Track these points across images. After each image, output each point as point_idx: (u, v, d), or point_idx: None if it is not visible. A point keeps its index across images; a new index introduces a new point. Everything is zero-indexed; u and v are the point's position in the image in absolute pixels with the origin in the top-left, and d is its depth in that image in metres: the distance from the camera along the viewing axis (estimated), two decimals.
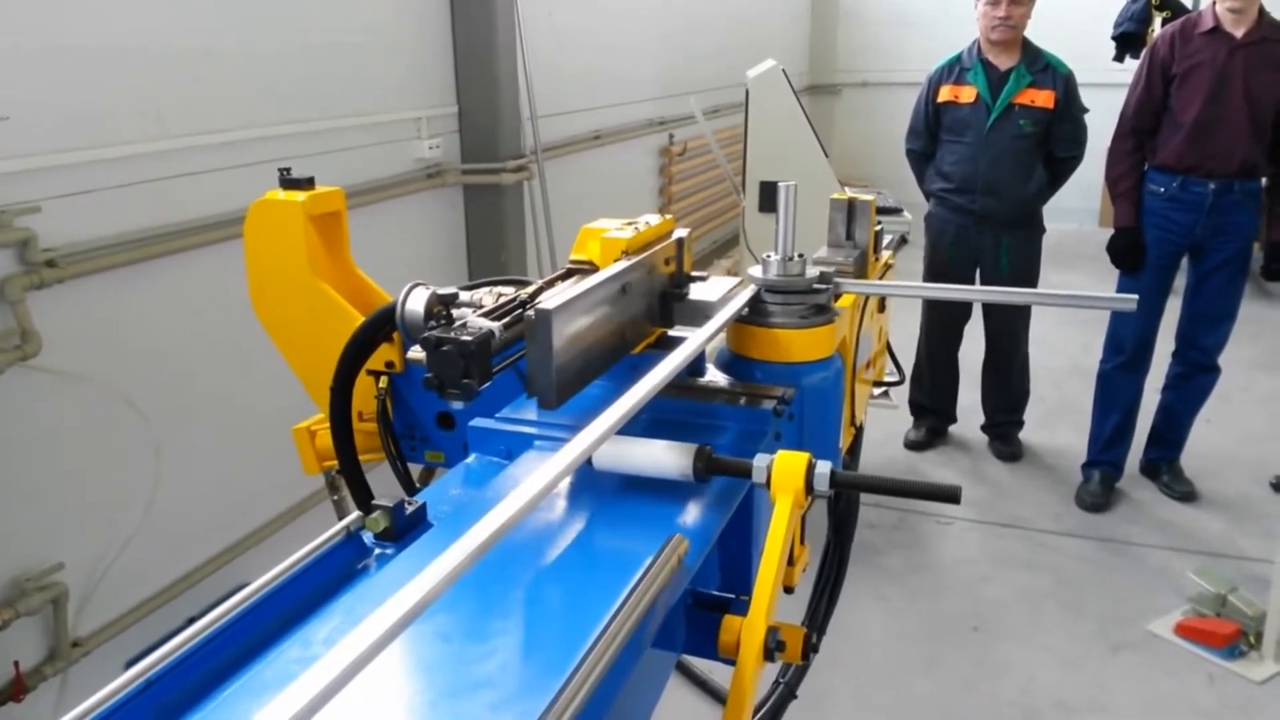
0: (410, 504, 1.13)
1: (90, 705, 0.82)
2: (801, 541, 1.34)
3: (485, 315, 1.16)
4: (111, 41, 2.64)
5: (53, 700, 2.63)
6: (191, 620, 0.93)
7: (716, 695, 3.00)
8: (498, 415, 1.33)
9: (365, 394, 1.63)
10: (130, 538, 2.75)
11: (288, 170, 1.71)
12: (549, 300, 1.12)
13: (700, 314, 1.40)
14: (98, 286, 2.64)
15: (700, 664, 3.08)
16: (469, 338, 1.06)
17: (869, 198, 1.77)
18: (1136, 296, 1.55)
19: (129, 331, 2.76)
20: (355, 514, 1.12)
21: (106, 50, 2.63)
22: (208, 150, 2.94)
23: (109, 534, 2.73)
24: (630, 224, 1.42)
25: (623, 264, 1.31)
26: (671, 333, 1.47)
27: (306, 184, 1.68)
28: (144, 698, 0.86)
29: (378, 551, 1.11)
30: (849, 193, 1.87)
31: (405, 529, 1.11)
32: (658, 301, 1.44)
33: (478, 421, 1.32)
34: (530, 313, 1.10)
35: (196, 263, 2.92)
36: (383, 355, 1.60)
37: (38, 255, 2.44)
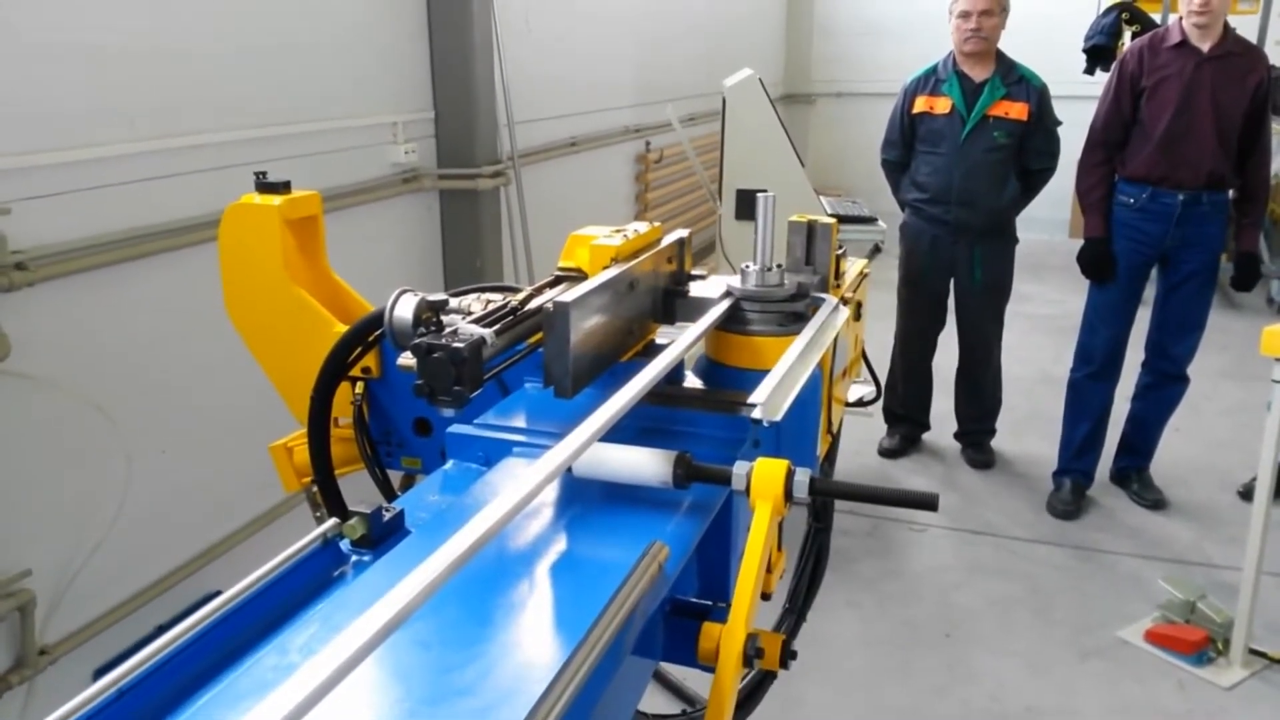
0: (388, 510, 1.13)
1: (62, 715, 0.81)
2: (779, 548, 1.34)
3: (475, 322, 1.16)
4: (83, 41, 2.60)
5: (19, 709, 2.58)
6: (161, 628, 0.92)
7: (690, 701, 3.00)
8: (476, 421, 1.33)
9: (340, 400, 1.62)
10: (99, 544, 2.71)
11: (263, 174, 1.70)
12: (566, 295, 1.15)
13: (701, 310, 1.44)
14: (68, 289, 2.60)
15: (674, 669, 3.07)
16: (461, 344, 1.06)
17: (829, 220, 1.68)
18: None
19: (100, 335, 2.73)
20: (332, 521, 1.11)
21: (78, 51, 2.60)
22: (181, 153, 2.91)
23: (78, 540, 2.69)
24: (619, 231, 1.43)
25: (630, 263, 1.35)
26: (658, 340, 1.50)
27: (283, 188, 1.67)
28: (116, 707, 0.84)
29: (355, 559, 1.10)
30: (820, 210, 1.86)
31: (382, 536, 1.11)
32: (661, 299, 1.50)
33: (456, 428, 1.31)
34: (549, 305, 1.14)
35: (170, 267, 2.88)
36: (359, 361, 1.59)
37: (7, 257, 2.40)
